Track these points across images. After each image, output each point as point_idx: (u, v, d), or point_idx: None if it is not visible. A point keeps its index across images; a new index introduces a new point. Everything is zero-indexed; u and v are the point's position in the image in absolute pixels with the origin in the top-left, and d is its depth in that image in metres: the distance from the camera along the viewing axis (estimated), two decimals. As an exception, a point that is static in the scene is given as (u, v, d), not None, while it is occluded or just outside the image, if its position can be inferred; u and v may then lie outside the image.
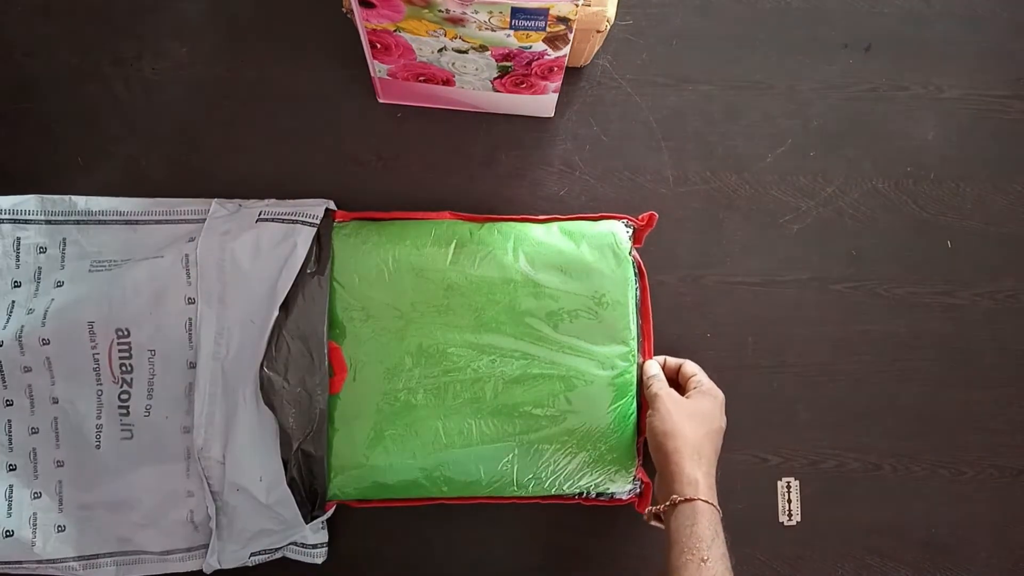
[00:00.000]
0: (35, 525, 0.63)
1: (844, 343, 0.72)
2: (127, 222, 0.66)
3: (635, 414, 0.64)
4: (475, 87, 0.65)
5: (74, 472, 0.63)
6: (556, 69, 0.61)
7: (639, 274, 0.66)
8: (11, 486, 0.63)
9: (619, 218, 0.66)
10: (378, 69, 0.63)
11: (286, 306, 0.61)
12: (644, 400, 0.65)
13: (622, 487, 0.65)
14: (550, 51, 0.57)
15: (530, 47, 0.57)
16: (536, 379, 0.62)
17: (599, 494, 0.65)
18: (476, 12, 0.52)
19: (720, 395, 0.62)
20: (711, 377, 0.67)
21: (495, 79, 0.63)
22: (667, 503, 0.55)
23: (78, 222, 0.66)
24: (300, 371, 0.60)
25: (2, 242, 0.64)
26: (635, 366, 0.64)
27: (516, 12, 0.52)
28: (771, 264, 0.72)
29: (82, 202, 0.66)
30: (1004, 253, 0.73)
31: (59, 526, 0.63)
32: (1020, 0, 0.74)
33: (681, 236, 0.71)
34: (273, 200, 0.67)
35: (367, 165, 0.70)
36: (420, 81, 0.65)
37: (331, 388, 0.62)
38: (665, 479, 0.57)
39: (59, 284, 0.65)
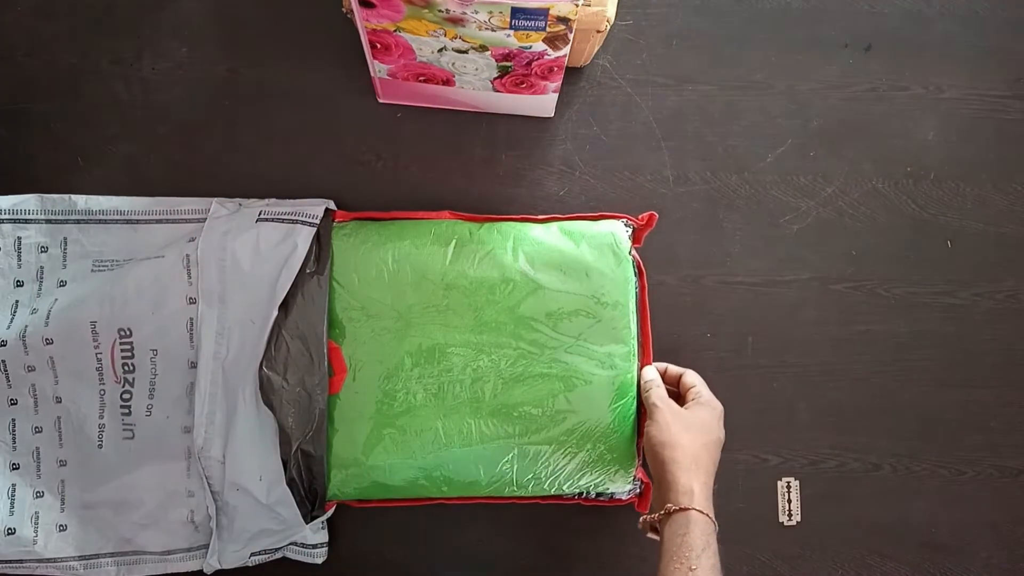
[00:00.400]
0: (37, 524, 0.63)
1: (844, 343, 0.72)
2: (127, 221, 0.66)
3: (635, 414, 0.64)
4: (475, 87, 0.65)
5: (76, 471, 0.64)
6: (556, 69, 0.61)
7: (638, 274, 0.66)
8: (14, 485, 0.63)
9: (619, 218, 0.66)
10: (378, 69, 0.63)
11: (285, 306, 0.61)
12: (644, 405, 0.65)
13: (622, 487, 0.65)
14: (550, 51, 0.57)
15: (530, 47, 0.57)
16: (536, 379, 0.62)
17: (599, 494, 0.65)
18: (476, 12, 0.52)
19: (719, 407, 0.62)
20: (712, 378, 0.67)
21: (495, 79, 0.63)
22: (661, 512, 0.55)
23: (78, 221, 0.66)
24: (299, 371, 0.60)
25: (3, 242, 0.65)
26: (635, 366, 0.64)
27: (516, 12, 0.52)
28: (771, 264, 0.72)
29: (82, 201, 0.66)
30: (1004, 253, 0.73)
31: (61, 525, 0.63)
32: (1020, 0, 0.74)
33: (681, 236, 0.71)
34: (273, 200, 0.67)
35: (367, 165, 0.70)
36: (420, 81, 0.65)
37: (331, 388, 0.62)
38: (661, 489, 0.57)
39: (62, 284, 0.65)
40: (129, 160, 0.69)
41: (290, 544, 0.65)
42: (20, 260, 0.65)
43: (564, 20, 0.53)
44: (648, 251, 0.68)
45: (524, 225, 0.65)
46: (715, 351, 0.71)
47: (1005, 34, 0.73)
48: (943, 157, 0.73)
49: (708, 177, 0.72)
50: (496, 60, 0.59)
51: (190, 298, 0.63)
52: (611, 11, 0.59)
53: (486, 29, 0.54)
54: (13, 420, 0.63)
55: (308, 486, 0.61)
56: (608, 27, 0.60)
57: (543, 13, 0.52)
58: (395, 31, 0.56)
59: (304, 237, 0.62)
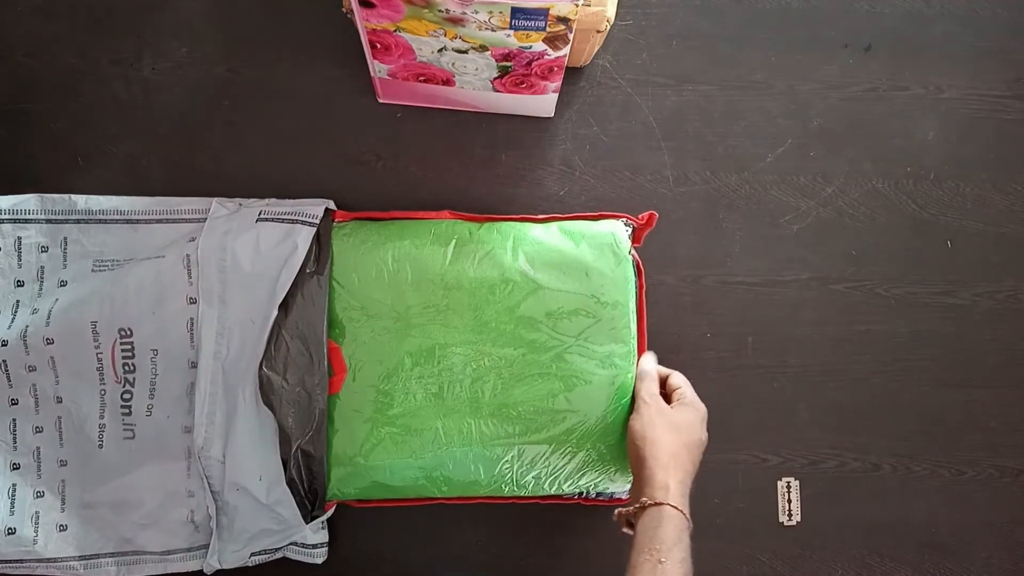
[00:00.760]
0: (37, 524, 0.63)
1: (844, 343, 0.72)
2: (127, 221, 0.66)
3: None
4: (475, 87, 0.65)
5: (77, 471, 0.64)
6: (556, 69, 0.61)
7: (638, 273, 0.66)
8: (14, 484, 0.63)
9: (619, 217, 0.66)
10: (378, 69, 0.63)
11: (285, 306, 0.61)
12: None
13: (622, 487, 0.65)
14: (550, 51, 0.57)
15: (530, 47, 0.57)
16: (535, 379, 0.62)
17: (599, 494, 0.65)
18: (476, 12, 0.52)
19: (703, 409, 0.62)
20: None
21: (495, 79, 0.63)
22: (636, 505, 0.55)
23: (79, 221, 0.66)
24: (299, 371, 0.60)
25: (3, 242, 0.65)
26: (635, 365, 0.64)
27: (516, 12, 0.52)
28: (771, 264, 0.72)
29: (82, 201, 0.66)
30: (1004, 253, 0.73)
31: (61, 525, 0.63)
32: (1020, 0, 0.74)
33: (681, 236, 0.71)
34: (273, 200, 0.67)
35: (367, 165, 0.70)
36: (420, 81, 0.65)
37: (331, 388, 0.62)
38: (638, 483, 0.58)
39: (62, 283, 0.65)
40: (129, 160, 0.69)
41: (290, 544, 0.65)
42: (20, 260, 0.65)
43: (564, 20, 0.53)
44: (648, 251, 0.68)
45: (524, 225, 0.65)
46: (715, 351, 0.71)
47: (1005, 34, 0.73)
48: (943, 157, 0.73)
49: (708, 177, 0.72)
50: (496, 60, 0.59)
51: (190, 298, 0.63)
52: (611, 11, 0.59)
53: (486, 29, 0.54)
54: (14, 420, 0.63)
55: (308, 486, 0.61)
56: (608, 27, 0.60)
57: (543, 13, 0.52)
58: (395, 31, 0.56)
59: (304, 237, 0.62)
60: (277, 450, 0.60)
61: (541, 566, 0.69)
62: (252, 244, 0.62)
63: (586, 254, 0.63)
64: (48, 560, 0.63)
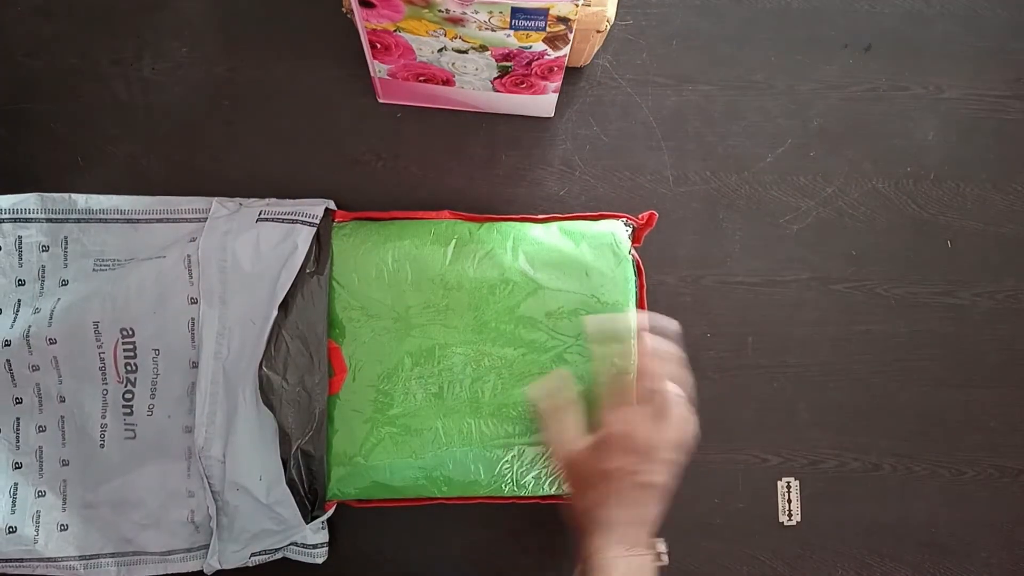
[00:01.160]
0: (38, 523, 0.63)
1: (844, 343, 0.72)
2: (128, 221, 0.66)
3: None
4: (475, 87, 0.65)
5: (79, 471, 0.64)
6: (556, 69, 0.61)
7: (638, 273, 0.66)
8: (16, 483, 0.63)
9: (619, 217, 0.66)
10: (378, 69, 0.63)
11: (285, 306, 0.61)
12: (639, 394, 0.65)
13: (622, 487, 0.64)
14: (550, 51, 0.57)
15: (530, 47, 0.57)
16: (535, 379, 0.62)
17: (599, 494, 0.65)
18: (476, 12, 0.52)
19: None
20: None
21: (495, 79, 0.63)
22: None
23: (79, 220, 0.66)
24: (299, 371, 0.60)
25: (4, 241, 0.65)
26: (635, 364, 0.64)
27: (516, 12, 0.52)
28: (771, 264, 0.72)
29: (82, 200, 0.66)
30: (1004, 253, 0.73)
31: (62, 525, 0.63)
32: (1020, 0, 0.74)
33: (681, 236, 0.71)
34: (273, 199, 0.67)
35: (367, 165, 0.70)
36: (420, 81, 0.65)
37: (331, 388, 0.62)
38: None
39: (64, 283, 0.65)
40: (129, 160, 0.69)
41: (290, 544, 0.65)
42: (22, 259, 0.65)
43: (564, 20, 0.53)
44: (648, 251, 0.68)
45: (524, 225, 0.65)
46: (715, 351, 0.71)
47: (1005, 34, 0.73)
48: (943, 157, 0.73)
49: (708, 177, 0.72)
50: (496, 60, 0.59)
51: (191, 298, 0.63)
52: (611, 11, 0.59)
53: (486, 29, 0.54)
54: (17, 419, 0.63)
55: (308, 486, 0.61)
56: (608, 27, 0.60)
57: (543, 13, 0.52)
58: (395, 31, 0.56)
59: (304, 237, 0.62)
60: (277, 450, 0.60)
61: (541, 566, 0.69)
62: (252, 244, 0.63)
63: (586, 254, 0.63)
64: (48, 560, 0.63)
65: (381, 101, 0.70)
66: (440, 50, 0.59)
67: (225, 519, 0.63)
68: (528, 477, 0.63)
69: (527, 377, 0.62)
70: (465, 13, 0.52)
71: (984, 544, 0.72)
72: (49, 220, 0.66)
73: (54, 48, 0.69)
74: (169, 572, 0.64)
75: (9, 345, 0.62)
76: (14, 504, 0.63)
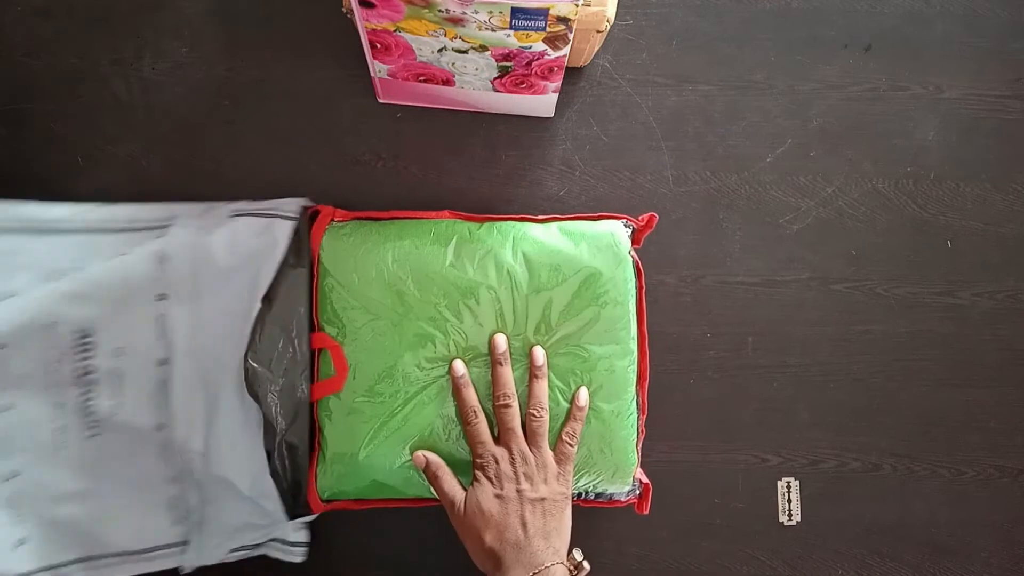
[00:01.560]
0: None
1: (844, 343, 0.72)
2: (84, 231, 0.64)
3: (634, 414, 0.64)
4: (475, 87, 0.65)
5: (31, 481, 0.60)
6: (556, 69, 0.61)
7: (637, 274, 0.66)
8: None
9: (619, 218, 0.66)
10: (378, 69, 0.63)
11: (269, 298, 0.61)
12: (643, 404, 0.65)
13: (620, 488, 0.65)
14: (550, 51, 0.57)
15: (530, 47, 0.57)
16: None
17: (598, 495, 0.65)
18: (476, 12, 0.52)
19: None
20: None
21: (495, 79, 0.63)
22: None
23: (30, 230, 0.63)
24: (284, 362, 0.61)
25: None
26: (634, 364, 0.64)
27: (516, 12, 0.52)
28: (771, 264, 0.72)
29: (32, 209, 0.63)
30: (1004, 253, 0.73)
31: (19, 539, 0.60)
32: (1020, 0, 0.74)
33: (681, 236, 0.71)
34: (245, 201, 0.66)
35: (367, 165, 0.70)
36: (420, 81, 0.65)
37: (332, 387, 0.62)
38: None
39: (15, 291, 0.62)
40: (129, 160, 0.69)
41: (271, 540, 0.64)
42: None
43: (564, 20, 0.53)
44: (648, 251, 0.68)
45: (524, 225, 0.65)
46: (715, 351, 0.71)
47: (1005, 34, 0.73)
48: (943, 157, 0.73)
49: (708, 177, 0.72)
50: (496, 60, 0.59)
51: (159, 294, 0.62)
52: (611, 11, 0.59)
53: (486, 29, 0.54)
54: None
55: (291, 478, 0.61)
56: (608, 27, 0.60)
57: (543, 13, 0.52)
58: (395, 31, 0.56)
59: (284, 230, 0.62)
60: (260, 442, 0.60)
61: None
62: (228, 239, 0.62)
63: (586, 254, 0.63)
64: None
65: (381, 101, 0.70)
66: (440, 50, 0.59)
67: (207, 512, 0.62)
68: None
69: (525, 377, 0.62)
70: (465, 13, 0.52)
71: (984, 544, 0.72)
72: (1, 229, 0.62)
73: (54, 48, 0.69)
74: (145, 572, 0.62)
75: None
76: None
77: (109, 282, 0.61)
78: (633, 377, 0.64)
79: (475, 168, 0.71)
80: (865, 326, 0.72)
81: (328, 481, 0.62)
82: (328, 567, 0.68)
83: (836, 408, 0.71)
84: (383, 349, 0.62)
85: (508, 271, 0.63)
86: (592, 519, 0.69)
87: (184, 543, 0.63)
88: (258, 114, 0.70)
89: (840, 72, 0.73)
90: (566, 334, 0.63)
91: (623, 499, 0.65)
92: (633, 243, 0.66)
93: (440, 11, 0.52)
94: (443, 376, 0.62)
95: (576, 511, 0.67)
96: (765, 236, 0.72)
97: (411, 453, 0.62)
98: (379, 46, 0.59)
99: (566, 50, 0.57)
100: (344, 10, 0.59)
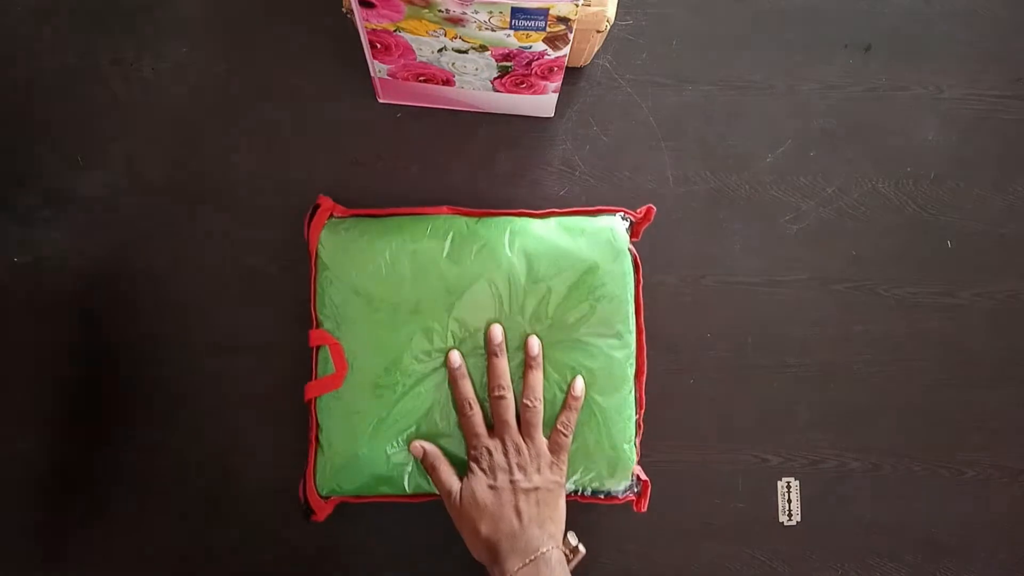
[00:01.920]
0: None
1: (844, 343, 0.72)
2: None
3: (632, 408, 0.64)
4: (475, 87, 0.65)
5: None
6: (556, 69, 0.61)
7: (635, 268, 0.66)
8: None
9: (616, 211, 0.66)
10: (378, 69, 0.63)
11: None
12: (641, 399, 0.65)
13: (618, 484, 0.64)
14: (550, 51, 0.57)
15: (530, 47, 0.57)
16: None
17: (595, 491, 0.65)
18: (476, 12, 0.52)
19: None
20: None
21: (495, 79, 0.63)
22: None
23: None
24: None
25: None
26: (633, 359, 0.64)
27: (516, 12, 0.52)
28: (771, 264, 0.72)
29: None
30: (1004, 253, 0.73)
31: None
32: (1020, 0, 0.74)
33: (681, 236, 0.71)
34: None
35: (367, 165, 0.70)
36: (420, 81, 0.65)
37: (332, 385, 0.62)
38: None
39: None
40: (129, 160, 0.69)
41: None
42: None
43: (564, 20, 0.53)
44: (648, 251, 0.68)
45: (522, 219, 0.65)
46: (715, 351, 0.71)
47: (1005, 34, 0.73)
48: (943, 157, 0.73)
49: (708, 177, 0.72)
50: (496, 60, 0.59)
51: None
52: (611, 11, 0.59)
53: (486, 29, 0.54)
54: None
55: None
56: (608, 27, 0.60)
57: (543, 13, 0.52)
58: (395, 31, 0.56)
59: None
60: None
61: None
62: None
63: (584, 248, 0.63)
64: None
65: (381, 101, 0.70)
66: (440, 50, 0.59)
67: None
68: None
69: (522, 368, 0.62)
70: (465, 13, 0.52)
71: (984, 544, 0.72)
72: None
73: (54, 48, 0.69)
74: None
75: None
76: None
77: None
78: (631, 371, 0.64)
79: (475, 168, 0.71)
80: (865, 326, 0.72)
81: (327, 477, 0.62)
82: (334, 569, 0.68)
83: (836, 408, 0.71)
84: (381, 342, 0.62)
85: (505, 265, 0.63)
86: (592, 519, 0.69)
87: None
88: (258, 114, 0.70)
89: (840, 72, 0.73)
90: (563, 327, 0.63)
91: (621, 496, 0.65)
92: (632, 236, 0.66)
93: (440, 11, 0.52)
94: (441, 368, 0.62)
95: (576, 510, 0.67)
96: (765, 236, 0.72)
97: (409, 444, 0.62)
98: (379, 46, 0.59)
99: (566, 50, 0.57)
100: (344, 10, 0.59)
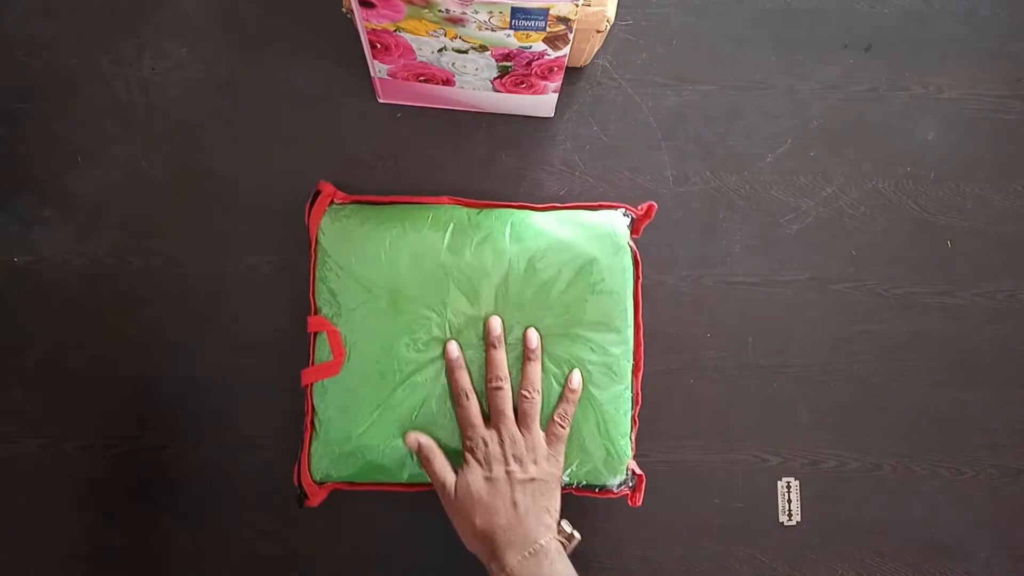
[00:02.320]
0: None
1: (844, 343, 0.72)
2: None
3: (629, 403, 0.64)
4: (475, 87, 0.65)
5: None
6: (556, 69, 0.61)
7: (635, 264, 0.66)
8: None
9: (618, 207, 0.66)
10: (378, 69, 0.63)
11: None
12: (637, 394, 0.65)
13: (613, 478, 0.64)
14: (550, 51, 0.57)
15: (530, 47, 0.57)
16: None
17: (590, 485, 0.65)
18: (476, 12, 0.52)
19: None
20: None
21: (495, 79, 0.63)
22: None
23: None
24: None
25: None
26: (630, 354, 0.64)
27: (516, 12, 0.52)
28: (771, 264, 0.72)
29: None
30: (1004, 253, 0.73)
31: None
32: (1020, 0, 0.74)
33: (681, 236, 0.71)
34: None
35: (367, 165, 0.70)
36: (420, 81, 0.65)
37: (329, 371, 0.62)
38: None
39: None
40: (129, 160, 0.69)
41: None
42: None
43: (564, 20, 0.53)
44: (648, 251, 0.68)
45: (523, 212, 0.65)
46: (715, 351, 0.71)
47: (1005, 34, 0.73)
48: (943, 157, 0.73)
49: (708, 177, 0.72)
50: (496, 60, 0.59)
51: None
52: (611, 11, 0.59)
53: (486, 29, 0.54)
54: None
55: None
56: (608, 27, 0.60)
57: (543, 13, 0.52)
58: (395, 31, 0.56)
59: None
60: None
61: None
62: None
63: (584, 243, 0.63)
64: None
65: (381, 101, 0.70)
66: (440, 50, 0.58)
67: None
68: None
69: (520, 360, 0.62)
70: (465, 13, 0.52)
71: (984, 544, 0.72)
72: None
73: (54, 48, 0.69)
74: None
75: None
76: None
77: None
78: (629, 366, 0.64)
79: (475, 168, 0.71)
80: (865, 326, 0.72)
81: (322, 463, 0.63)
82: (333, 570, 0.68)
83: (836, 408, 0.71)
84: (379, 330, 0.62)
85: (505, 256, 0.63)
86: (592, 519, 0.69)
87: None
88: (258, 114, 0.70)
89: (840, 72, 0.73)
90: (562, 320, 0.63)
91: (616, 490, 0.65)
92: (633, 233, 0.66)
93: (440, 11, 0.52)
94: (438, 358, 0.62)
95: (576, 509, 0.67)
96: (765, 236, 0.72)
97: (404, 435, 0.62)
98: (379, 46, 0.59)
99: (566, 50, 0.57)
100: (344, 10, 0.59)
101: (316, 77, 0.70)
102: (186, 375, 0.69)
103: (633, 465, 0.65)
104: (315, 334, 0.63)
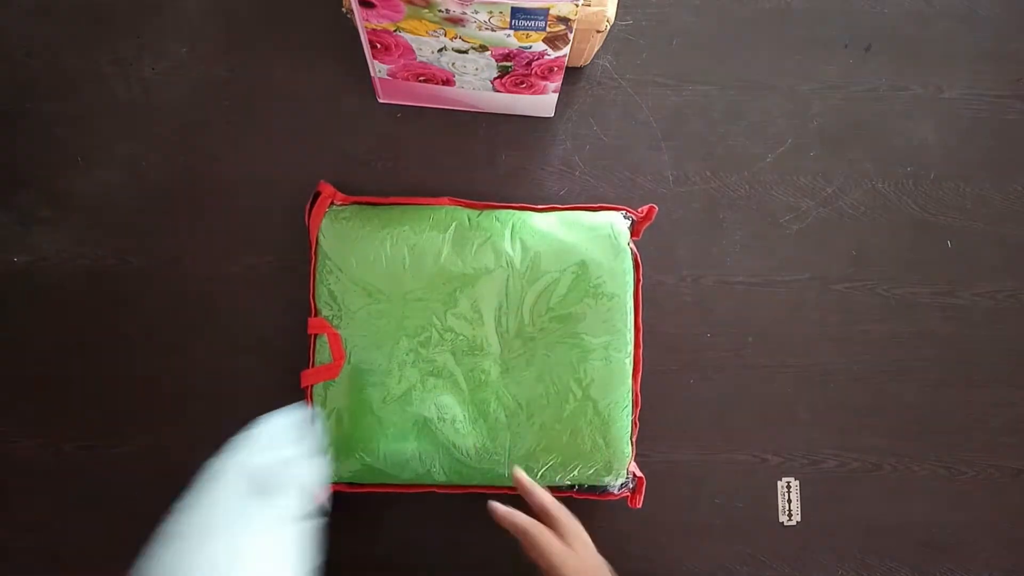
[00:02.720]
0: None
1: (844, 343, 0.72)
2: None
3: (629, 406, 0.64)
4: (475, 87, 0.65)
5: None
6: (556, 69, 0.61)
7: (635, 266, 0.66)
8: None
9: (618, 210, 0.66)
10: (378, 69, 0.63)
11: None
12: (637, 397, 0.65)
13: (614, 481, 0.64)
14: (550, 51, 0.57)
15: (530, 47, 0.57)
16: (530, 367, 0.62)
17: (591, 487, 0.65)
18: (476, 12, 0.52)
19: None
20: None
21: (495, 79, 0.63)
22: None
23: None
24: None
25: None
26: (630, 356, 0.64)
27: (516, 12, 0.52)
28: (771, 264, 0.72)
29: None
30: (1004, 253, 0.73)
31: None
32: (1020, 0, 0.74)
33: (681, 236, 0.71)
34: None
35: (367, 165, 0.70)
36: (420, 81, 0.65)
37: (329, 374, 0.62)
38: None
39: None
40: (129, 160, 0.69)
41: None
42: None
43: (564, 20, 0.53)
44: (648, 251, 0.68)
45: (523, 214, 0.66)
46: (715, 351, 0.71)
47: (1005, 34, 0.73)
48: (943, 157, 0.73)
49: (708, 177, 0.72)
50: (496, 60, 0.59)
51: None
52: (611, 11, 0.59)
53: (486, 29, 0.54)
54: None
55: None
56: (608, 27, 0.60)
57: (543, 13, 0.52)
58: (395, 31, 0.56)
59: None
60: None
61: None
62: None
63: (585, 245, 0.64)
64: None
65: (381, 101, 0.70)
66: (440, 50, 0.58)
67: None
68: (521, 466, 0.62)
69: (522, 365, 0.62)
70: (465, 13, 0.52)
71: (984, 544, 0.72)
72: None
73: (54, 48, 0.69)
74: None
75: None
76: None
77: None
78: (629, 369, 0.64)
79: (475, 168, 0.71)
80: (865, 326, 0.72)
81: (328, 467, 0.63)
82: (333, 570, 0.68)
83: (836, 408, 0.71)
84: (379, 333, 0.62)
85: (506, 258, 0.63)
86: (593, 519, 0.68)
87: None
88: (258, 114, 0.70)
89: (840, 72, 0.73)
90: (562, 323, 0.63)
91: (616, 492, 0.65)
92: (633, 235, 0.66)
93: (440, 11, 0.52)
94: (439, 361, 0.62)
95: (576, 508, 0.67)
96: (765, 236, 0.72)
97: (411, 441, 0.62)
98: (379, 46, 0.59)
99: (566, 50, 0.57)
100: (344, 10, 0.59)
101: (316, 77, 0.70)
102: (186, 375, 0.69)
103: (633, 467, 0.65)
104: (315, 336, 0.63)
